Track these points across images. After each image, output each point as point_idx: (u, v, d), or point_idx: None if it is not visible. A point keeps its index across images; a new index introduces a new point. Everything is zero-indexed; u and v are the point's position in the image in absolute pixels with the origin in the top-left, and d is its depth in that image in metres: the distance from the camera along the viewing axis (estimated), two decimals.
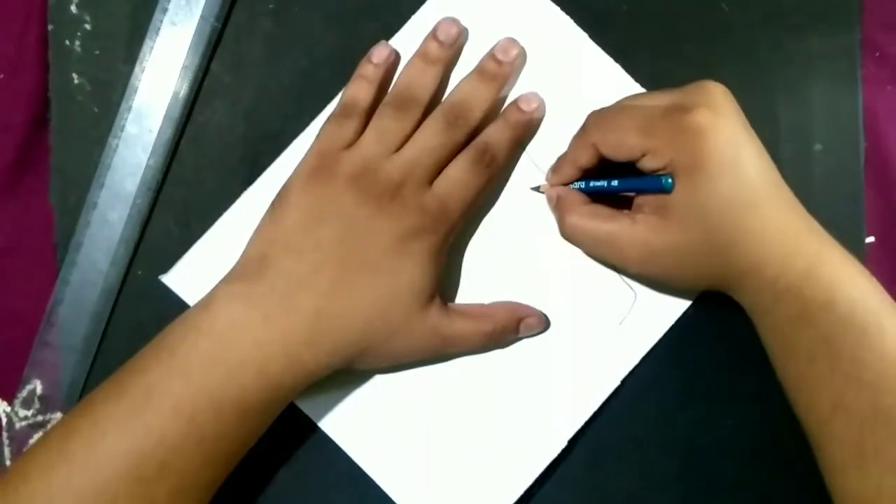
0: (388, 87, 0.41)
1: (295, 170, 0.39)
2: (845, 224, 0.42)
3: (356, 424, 0.41)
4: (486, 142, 0.40)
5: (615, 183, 0.39)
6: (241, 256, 0.38)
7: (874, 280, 0.36)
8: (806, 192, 0.42)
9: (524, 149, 0.42)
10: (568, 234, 0.40)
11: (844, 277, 0.36)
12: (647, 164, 0.37)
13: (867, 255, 0.42)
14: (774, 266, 0.36)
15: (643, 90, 0.42)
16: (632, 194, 0.39)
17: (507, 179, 0.42)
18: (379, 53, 0.41)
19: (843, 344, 0.35)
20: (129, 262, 0.42)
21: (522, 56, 0.42)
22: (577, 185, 0.40)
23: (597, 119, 0.39)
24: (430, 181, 0.39)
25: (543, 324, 0.41)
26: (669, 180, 0.36)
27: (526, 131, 0.41)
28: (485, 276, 0.42)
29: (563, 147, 0.41)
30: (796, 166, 0.42)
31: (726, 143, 0.36)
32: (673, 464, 0.42)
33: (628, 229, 0.38)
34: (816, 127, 0.42)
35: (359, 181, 0.38)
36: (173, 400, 0.34)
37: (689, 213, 0.36)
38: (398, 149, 0.39)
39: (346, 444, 0.41)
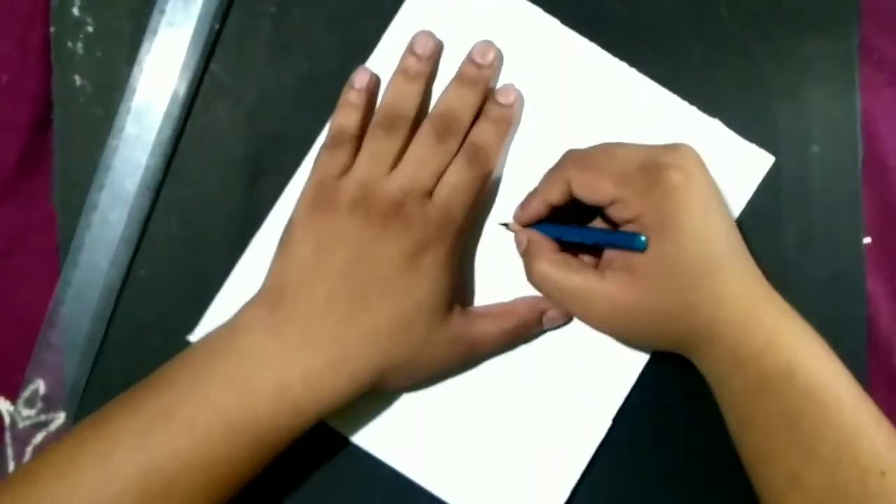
0: (374, 107, 0.41)
1: (296, 204, 0.39)
2: (843, 225, 0.42)
3: (392, 435, 0.41)
4: (475, 142, 0.40)
5: (588, 238, 0.39)
6: (263, 284, 0.38)
7: (830, 350, 0.36)
8: (803, 194, 0.42)
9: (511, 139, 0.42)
10: (535, 282, 0.40)
11: (803, 348, 0.36)
12: (616, 212, 0.37)
13: (864, 256, 0.42)
14: (735, 333, 0.36)
15: (626, 65, 0.42)
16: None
17: (503, 180, 0.42)
18: (360, 79, 0.41)
19: (802, 416, 0.35)
20: (129, 263, 0.42)
21: (499, 56, 0.42)
22: (550, 231, 0.40)
23: (575, 157, 0.39)
24: (430, 193, 0.39)
25: (565, 315, 0.41)
26: (643, 239, 0.36)
27: (510, 125, 0.41)
28: (499, 276, 0.42)
29: (551, 145, 0.41)
30: (794, 168, 0.42)
31: (698, 206, 0.36)
32: (673, 464, 0.42)
33: (597, 285, 0.38)
34: (814, 129, 0.42)
35: (360, 206, 0.38)
36: (188, 419, 0.35)
37: (656, 272, 0.36)
38: (393, 167, 0.39)
39: (390, 458, 0.41)
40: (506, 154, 0.42)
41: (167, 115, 0.42)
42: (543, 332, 0.42)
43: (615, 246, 0.38)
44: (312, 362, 0.36)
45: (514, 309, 0.41)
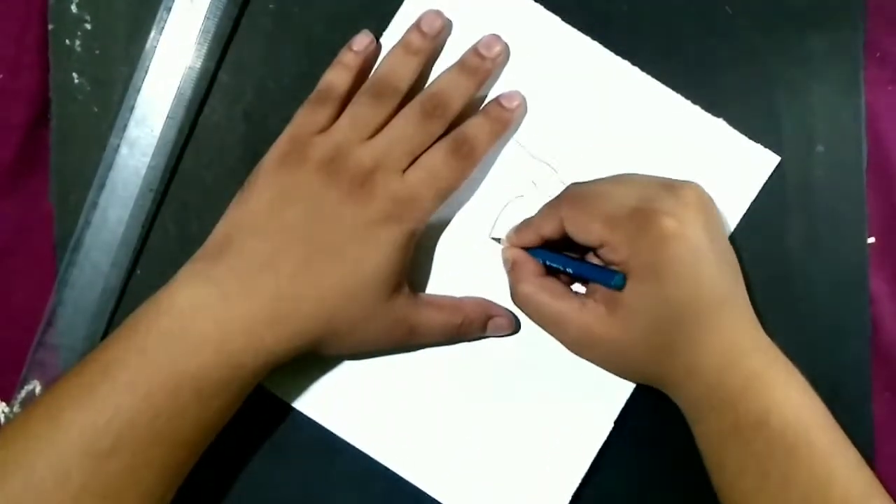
0: (367, 75, 0.41)
1: (267, 154, 0.39)
2: (847, 225, 0.42)
3: (395, 439, 0.41)
4: (465, 133, 0.40)
5: (570, 269, 0.39)
6: (208, 238, 0.38)
7: (813, 396, 0.36)
8: (807, 194, 0.42)
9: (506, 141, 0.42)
10: (518, 302, 0.39)
11: (780, 395, 0.36)
12: (605, 255, 0.37)
13: (869, 256, 0.42)
14: (711, 378, 0.36)
15: (628, 63, 0.42)
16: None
17: (496, 180, 0.42)
18: (360, 41, 0.41)
19: (772, 462, 0.35)
20: (129, 263, 0.42)
21: (505, 53, 0.41)
22: (536, 253, 0.40)
23: (571, 195, 0.39)
24: (404, 170, 0.38)
25: (512, 326, 0.41)
26: (620, 279, 0.36)
27: (506, 128, 0.41)
28: (464, 275, 0.42)
29: (553, 143, 0.42)
30: (798, 168, 0.42)
31: (687, 255, 0.35)
32: (674, 467, 0.41)
33: (575, 313, 0.37)
34: (818, 128, 0.42)
35: (329, 166, 0.37)
36: (129, 374, 0.34)
37: (635, 314, 0.36)
38: (372, 137, 0.38)
39: (392, 462, 0.41)
40: (493, 159, 0.42)
41: (170, 115, 0.42)
42: (486, 337, 0.41)
43: (594, 281, 0.38)
44: (253, 315, 0.36)
45: (463, 306, 0.41)
